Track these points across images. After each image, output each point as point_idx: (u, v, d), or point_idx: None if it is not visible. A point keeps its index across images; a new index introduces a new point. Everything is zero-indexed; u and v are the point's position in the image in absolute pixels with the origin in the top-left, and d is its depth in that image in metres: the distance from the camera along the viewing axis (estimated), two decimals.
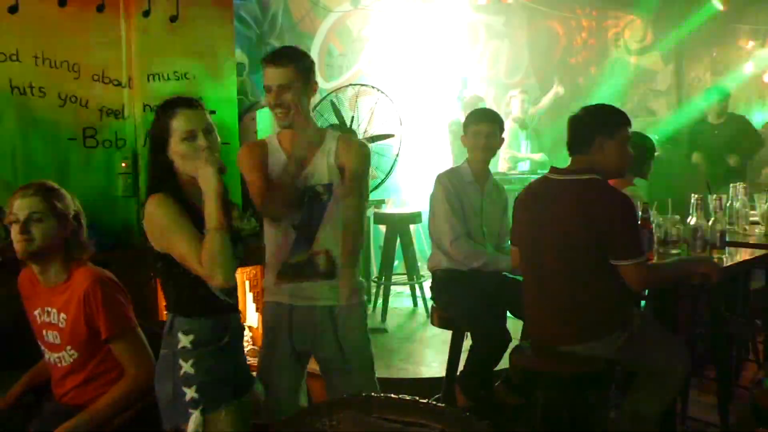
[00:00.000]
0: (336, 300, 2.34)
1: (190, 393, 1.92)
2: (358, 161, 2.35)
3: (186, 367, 1.93)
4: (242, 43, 5.27)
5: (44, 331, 2.20)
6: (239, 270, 3.00)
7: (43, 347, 2.24)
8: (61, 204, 2.18)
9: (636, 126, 2.72)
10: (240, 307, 2.19)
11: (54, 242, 2.15)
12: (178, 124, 1.93)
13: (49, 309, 2.18)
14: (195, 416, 1.90)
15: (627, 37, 8.39)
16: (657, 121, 7.97)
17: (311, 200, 2.31)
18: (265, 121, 4.39)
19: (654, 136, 6.64)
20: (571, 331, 2.51)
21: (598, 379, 2.50)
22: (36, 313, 2.22)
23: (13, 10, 3.26)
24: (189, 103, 1.98)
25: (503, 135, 3.35)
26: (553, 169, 2.66)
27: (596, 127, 2.55)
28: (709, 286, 2.67)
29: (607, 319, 2.50)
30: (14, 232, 2.13)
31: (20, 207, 2.13)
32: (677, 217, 3.06)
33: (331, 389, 2.38)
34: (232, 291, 2.03)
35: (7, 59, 3.27)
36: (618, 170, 2.63)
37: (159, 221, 1.90)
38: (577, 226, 2.45)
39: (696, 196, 3.05)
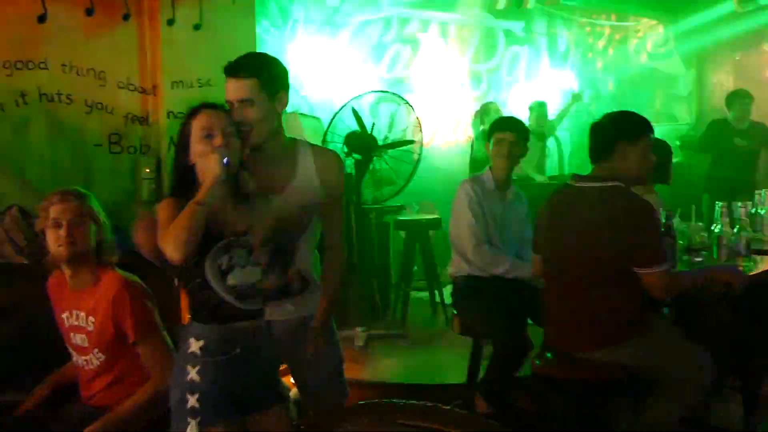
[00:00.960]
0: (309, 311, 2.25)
1: (191, 401, 1.86)
2: (339, 175, 2.26)
3: (192, 373, 1.88)
4: (264, 49, 5.32)
5: (72, 334, 2.25)
6: None
7: (70, 349, 2.28)
8: (95, 208, 2.24)
9: (658, 132, 2.71)
10: None
11: (92, 246, 2.20)
12: (198, 123, 1.92)
13: (78, 312, 2.23)
14: (191, 426, 1.85)
15: (648, 41, 8.33)
16: (679, 127, 7.89)
17: (288, 224, 2.10)
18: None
19: (675, 142, 6.60)
20: (591, 338, 2.50)
21: (618, 385, 2.49)
22: (64, 315, 2.26)
23: (42, 19, 3.34)
24: (212, 105, 1.97)
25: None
26: (576, 177, 2.65)
27: (619, 134, 2.54)
28: (733, 294, 2.65)
29: (628, 326, 2.49)
30: (53, 235, 2.18)
31: (61, 211, 2.18)
32: (701, 224, 3.04)
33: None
34: (244, 296, 1.91)
35: (36, 67, 3.35)
36: (640, 177, 2.62)
37: (162, 224, 1.86)
38: (600, 234, 2.44)
39: (721, 204, 3.03)
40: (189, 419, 1.86)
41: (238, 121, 2.00)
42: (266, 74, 2.07)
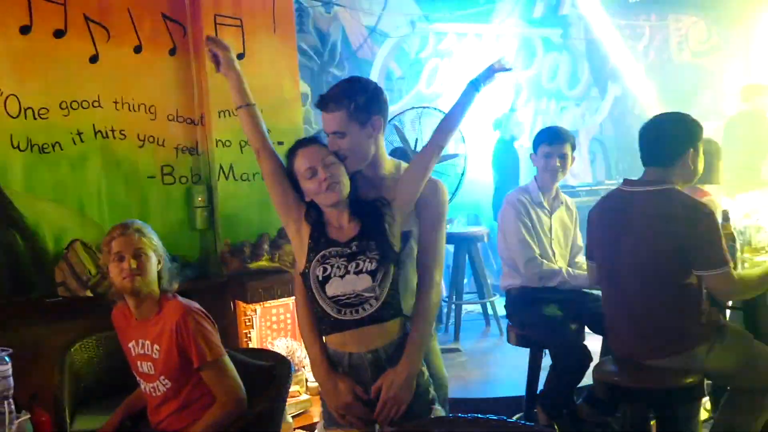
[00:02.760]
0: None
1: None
2: (437, 200, 2.12)
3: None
4: (304, 74, 5.43)
5: (139, 363, 2.31)
6: None
7: (138, 377, 2.35)
8: (154, 240, 2.31)
9: (707, 130, 2.64)
10: None
11: (154, 276, 2.27)
12: (299, 163, 1.99)
13: (143, 341, 2.29)
14: (318, 427, 2.02)
15: (690, 39, 8.18)
16: None
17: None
18: None
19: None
20: (656, 346, 2.45)
21: (686, 393, 2.43)
22: (130, 345, 2.33)
23: (93, 59, 3.47)
24: (306, 141, 2.05)
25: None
26: (627, 181, 2.61)
27: (689, 140, 2.49)
28: None
29: (693, 332, 2.44)
30: (117, 269, 2.25)
31: (124, 244, 2.25)
32: (761, 224, 2.96)
33: None
34: (345, 305, 1.95)
35: (90, 106, 3.47)
36: (692, 179, 2.58)
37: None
38: (658, 238, 2.40)
39: None
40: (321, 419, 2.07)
41: (334, 152, 2.02)
42: (354, 104, 2.05)
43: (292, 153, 2.03)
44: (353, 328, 1.96)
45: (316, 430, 1.98)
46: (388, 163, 2.20)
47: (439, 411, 2.05)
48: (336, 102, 2.05)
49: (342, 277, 1.94)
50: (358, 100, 2.06)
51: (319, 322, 2.03)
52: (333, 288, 1.95)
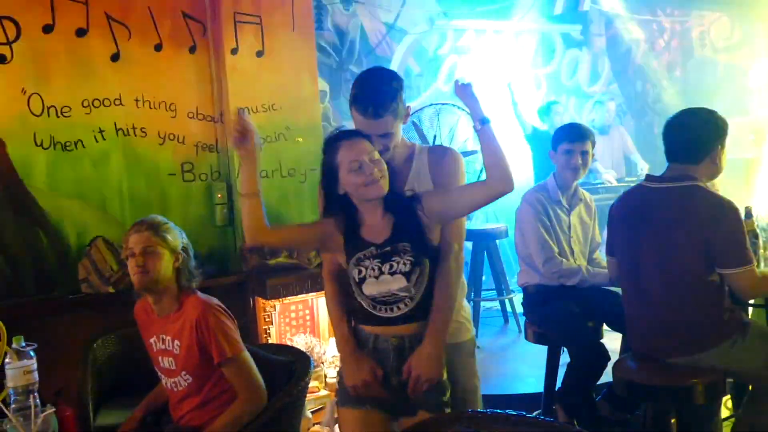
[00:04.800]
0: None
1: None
2: (452, 168, 2.17)
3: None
4: (323, 71, 5.43)
5: (160, 358, 2.34)
6: None
7: (159, 373, 2.37)
8: (171, 237, 2.32)
9: (732, 126, 2.61)
10: None
11: (166, 273, 2.29)
12: (345, 155, 1.96)
13: (164, 336, 2.31)
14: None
15: (713, 35, 8.08)
16: (752, 121, 7.60)
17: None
18: None
19: (750, 136, 6.36)
20: (678, 344, 2.43)
21: (707, 391, 2.40)
22: (152, 341, 2.36)
23: (115, 58, 3.51)
24: (350, 134, 2.02)
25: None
26: (650, 177, 2.59)
27: (716, 137, 2.47)
28: None
29: (715, 330, 2.41)
30: (130, 265, 2.28)
31: (135, 242, 2.28)
32: None
33: None
34: (382, 303, 1.99)
35: (112, 104, 3.51)
36: (716, 176, 2.55)
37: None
38: (681, 235, 2.38)
39: None
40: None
41: (378, 150, 2.02)
42: (399, 105, 2.08)
43: (333, 144, 2.00)
44: (385, 324, 2.00)
45: (328, 405, 1.99)
46: (401, 146, 2.22)
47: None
48: (384, 108, 2.05)
49: (377, 278, 1.97)
50: (399, 99, 2.08)
51: (353, 310, 2.07)
52: (369, 288, 1.98)
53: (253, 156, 1.96)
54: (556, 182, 3.27)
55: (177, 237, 2.35)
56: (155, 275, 2.26)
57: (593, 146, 3.23)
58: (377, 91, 2.08)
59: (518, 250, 3.35)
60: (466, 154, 4.79)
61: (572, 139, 3.18)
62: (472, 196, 1.99)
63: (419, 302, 1.99)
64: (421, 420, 1.86)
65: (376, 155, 1.99)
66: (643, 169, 5.69)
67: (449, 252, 2.09)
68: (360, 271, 1.98)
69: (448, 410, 2.05)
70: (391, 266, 1.96)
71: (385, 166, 1.99)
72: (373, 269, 1.97)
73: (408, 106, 2.17)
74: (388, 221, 2.01)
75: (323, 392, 3.48)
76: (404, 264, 1.96)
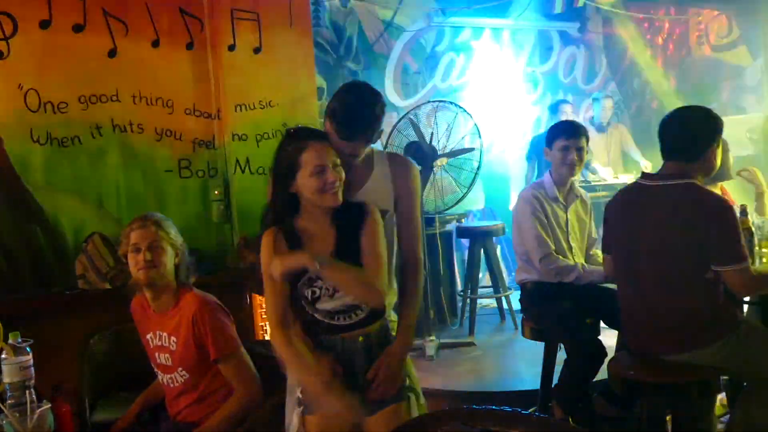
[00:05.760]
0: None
1: (298, 392, 2.08)
2: (411, 179, 2.20)
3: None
4: (320, 68, 5.42)
5: (157, 354, 2.34)
6: None
7: (156, 369, 2.38)
8: (173, 233, 2.33)
9: (726, 124, 2.62)
10: None
11: (170, 269, 2.29)
12: (310, 157, 1.90)
13: (161, 333, 2.32)
14: (296, 413, 2.03)
15: (710, 33, 8.08)
16: (748, 119, 7.61)
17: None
18: None
19: (746, 135, 6.37)
20: (674, 341, 2.44)
21: (702, 388, 2.42)
22: (149, 337, 2.36)
23: (112, 54, 3.50)
24: (318, 136, 1.98)
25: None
26: (645, 175, 2.60)
27: (711, 135, 2.48)
28: None
29: (711, 327, 2.42)
30: (134, 261, 2.28)
31: (141, 237, 2.28)
32: None
33: None
34: (338, 313, 1.99)
35: (109, 100, 3.50)
36: (711, 173, 2.56)
37: (265, 259, 1.96)
38: (676, 232, 2.39)
39: None
40: (296, 407, 2.04)
41: (343, 157, 2.00)
42: (374, 132, 2.08)
43: (298, 142, 1.94)
44: (346, 331, 2.00)
45: (295, 414, 1.98)
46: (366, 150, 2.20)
47: (413, 401, 2.08)
48: (362, 133, 2.04)
49: (331, 296, 1.96)
50: (378, 125, 2.08)
51: (307, 322, 2.02)
52: (324, 304, 1.98)
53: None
54: (552, 179, 3.28)
55: (176, 233, 2.36)
56: (162, 269, 2.27)
57: (587, 143, 3.25)
58: (357, 117, 2.03)
59: (515, 247, 3.36)
60: (462, 151, 4.80)
61: (568, 135, 3.19)
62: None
63: (372, 309, 2.00)
64: (412, 418, 1.86)
65: (338, 161, 1.96)
66: (647, 166, 5.69)
67: (417, 261, 2.17)
68: (314, 292, 1.96)
69: (411, 395, 2.07)
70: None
71: (344, 175, 1.97)
72: (327, 288, 1.95)
73: (382, 130, 2.14)
74: (330, 230, 1.98)
75: None
76: None
